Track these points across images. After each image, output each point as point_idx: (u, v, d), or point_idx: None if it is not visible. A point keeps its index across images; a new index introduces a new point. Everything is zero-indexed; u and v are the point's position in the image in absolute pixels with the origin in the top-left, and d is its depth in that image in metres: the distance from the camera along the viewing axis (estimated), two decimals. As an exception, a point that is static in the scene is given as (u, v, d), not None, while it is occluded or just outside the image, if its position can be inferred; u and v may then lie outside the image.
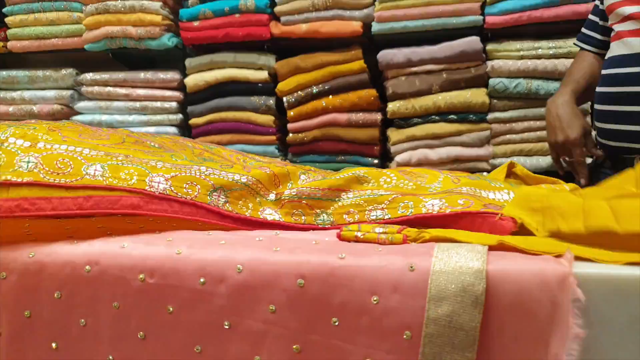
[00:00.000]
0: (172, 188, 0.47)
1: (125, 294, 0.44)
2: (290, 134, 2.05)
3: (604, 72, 1.13)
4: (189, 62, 2.11)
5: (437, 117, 1.91)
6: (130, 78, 2.14)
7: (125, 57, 2.25)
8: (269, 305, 0.42)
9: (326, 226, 0.53)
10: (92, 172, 0.48)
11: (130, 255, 0.45)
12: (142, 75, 2.14)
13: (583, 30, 1.30)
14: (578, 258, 0.41)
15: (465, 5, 1.85)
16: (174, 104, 2.14)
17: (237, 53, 2.07)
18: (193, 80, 2.11)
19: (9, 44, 2.22)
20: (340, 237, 0.46)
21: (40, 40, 2.19)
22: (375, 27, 1.92)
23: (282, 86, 2.04)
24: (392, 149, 1.96)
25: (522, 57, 1.83)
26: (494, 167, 1.89)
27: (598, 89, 1.14)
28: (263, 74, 2.06)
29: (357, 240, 0.46)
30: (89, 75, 2.16)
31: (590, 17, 1.27)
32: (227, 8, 2.02)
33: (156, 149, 0.58)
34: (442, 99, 1.88)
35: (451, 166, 1.92)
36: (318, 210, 0.57)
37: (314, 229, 0.52)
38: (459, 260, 0.41)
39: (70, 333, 0.43)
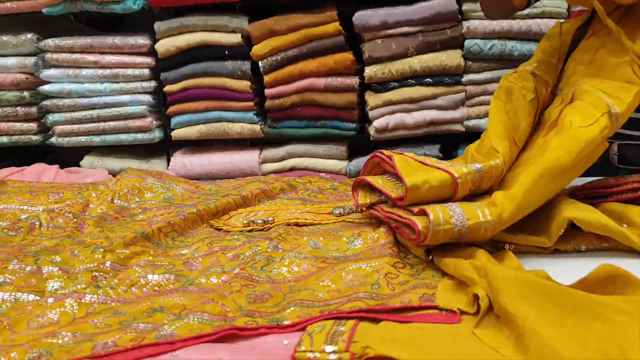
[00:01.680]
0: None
1: None
2: (268, 100, 2.03)
3: None
4: (157, 25, 2.01)
5: (413, 81, 1.89)
6: (97, 43, 2.04)
7: (90, 20, 2.15)
8: None
9: (281, 324, 0.56)
10: (37, 358, 0.52)
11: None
12: (109, 40, 2.04)
13: None
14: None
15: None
16: (146, 71, 2.06)
17: (207, 16, 1.97)
18: (164, 45, 2.02)
19: (-39, 9, 2.10)
20: (295, 359, 0.50)
21: (-6, 4, 2.07)
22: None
23: (256, 50, 1.98)
24: (370, 113, 1.95)
25: (497, 18, 1.79)
26: (468, 128, 1.92)
27: None
28: (236, 37, 1.99)
29: (309, 360, 0.50)
30: (51, 41, 2.05)
31: None
32: (194, -33, 1.92)
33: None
34: (418, 62, 1.86)
35: (426, 129, 1.94)
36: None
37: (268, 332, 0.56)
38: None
39: None
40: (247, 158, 2.08)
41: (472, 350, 0.50)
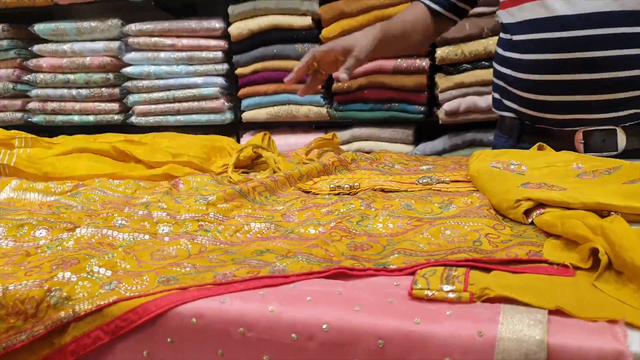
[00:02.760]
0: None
1: (227, 344, 0.51)
2: (335, 83, 2.04)
3: (530, 36, 0.97)
4: (231, 9, 2.07)
5: (487, 63, 1.85)
6: (175, 27, 2.12)
7: (167, 5, 2.24)
8: (353, 360, 0.49)
9: (388, 268, 0.57)
10: (166, 281, 0.56)
11: (229, 311, 0.52)
12: (186, 24, 2.11)
13: None
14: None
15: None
16: (219, 54, 2.12)
17: (279, -1, 2.03)
18: (237, 28, 2.08)
19: (56, -4, 2.23)
20: (412, 296, 0.51)
21: (84, -10, 2.19)
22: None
23: (326, 32, 2.00)
24: (440, 96, 1.92)
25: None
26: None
27: (524, 57, 0.98)
28: (307, 20, 2.01)
29: (427, 298, 0.51)
30: (134, 26, 2.16)
31: None
32: (268, -48, 1.96)
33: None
34: (494, 43, 1.82)
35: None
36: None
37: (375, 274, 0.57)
38: (522, 329, 0.45)
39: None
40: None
41: (597, 298, 0.49)
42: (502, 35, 1.08)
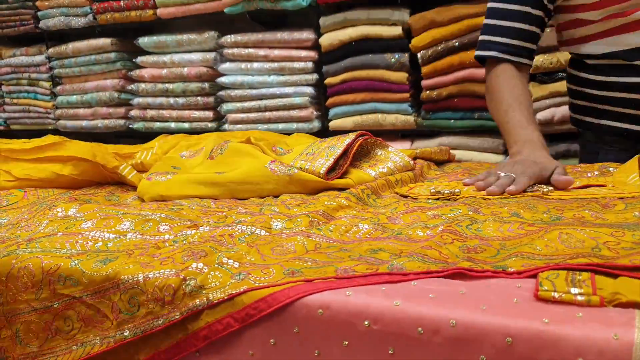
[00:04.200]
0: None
1: (352, 335, 0.54)
2: (424, 91, 2.04)
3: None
4: (323, 20, 2.13)
5: (585, 71, 1.78)
6: (267, 39, 2.22)
7: (261, 17, 2.33)
8: (480, 356, 0.49)
9: (507, 271, 0.57)
10: (291, 273, 0.59)
11: (355, 303, 0.54)
12: (278, 35, 2.20)
13: (508, 40, 1.05)
14: None
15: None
16: (309, 64, 2.19)
17: (370, 10, 2.03)
18: (327, 39, 2.13)
19: (159, 11, 2.39)
20: (538, 297, 0.51)
21: (185, 6, 2.33)
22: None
23: (416, 41, 2.00)
24: (534, 105, 1.88)
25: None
26: None
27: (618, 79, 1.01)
28: (397, 30, 2.03)
29: (554, 300, 0.50)
30: (229, 38, 2.27)
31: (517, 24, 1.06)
32: (360, -36, 2.00)
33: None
34: (592, 50, 1.75)
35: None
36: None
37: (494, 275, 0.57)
38: (661, 335, 0.44)
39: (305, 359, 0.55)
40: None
41: None
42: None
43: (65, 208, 0.91)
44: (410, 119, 2.09)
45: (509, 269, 0.57)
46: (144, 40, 2.42)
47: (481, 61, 1.12)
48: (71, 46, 2.56)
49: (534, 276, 0.55)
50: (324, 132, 2.30)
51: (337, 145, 1.10)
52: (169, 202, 0.95)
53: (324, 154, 1.08)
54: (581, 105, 1.15)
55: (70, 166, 1.08)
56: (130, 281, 0.62)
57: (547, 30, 1.83)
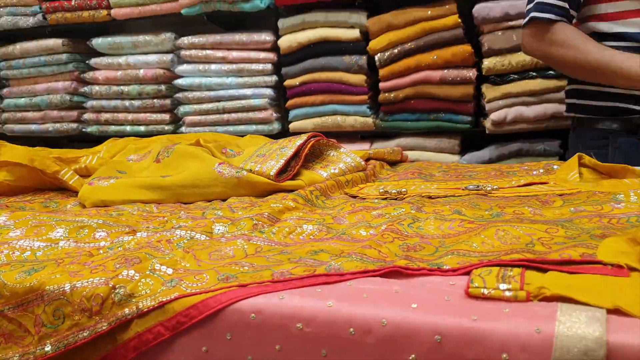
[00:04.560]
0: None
1: (285, 339, 0.53)
2: (382, 93, 2.05)
3: None
4: (281, 22, 2.11)
5: (534, 74, 1.82)
6: (225, 40, 2.19)
7: (219, 19, 2.31)
8: (410, 355, 0.49)
9: (442, 268, 0.57)
10: (226, 279, 0.58)
11: (288, 306, 0.53)
12: (236, 37, 2.17)
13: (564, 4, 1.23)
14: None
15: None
16: (268, 66, 2.17)
17: (328, 12, 2.03)
18: (286, 41, 2.11)
19: (113, 12, 2.32)
20: (468, 294, 0.51)
21: (140, 7, 2.28)
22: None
23: (373, 44, 2.01)
24: (487, 106, 1.90)
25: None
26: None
27: None
28: (354, 33, 2.03)
29: (484, 297, 0.51)
30: (186, 39, 2.23)
31: None
32: (316, -34, 2.00)
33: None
34: (542, 53, 1.79)
35: (547, 123, 1.87)
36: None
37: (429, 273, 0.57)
38: (581, 327, 0.44)
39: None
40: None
41: None
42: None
43: (-5, 216, 0.87)
44: (369, 120, 2.10)
45: (444, 267, 0.58)
46: (97, 42, 2.36)
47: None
48: (19, 47, 2.47)
49: (469, 273, 0.55)
50: (284, 134, 2.28)
51: (288, 147, 1.09)
52: (109, 208, 0.92)
53: (275, 155, 1.07)
54: (584, 89, 1.30)
55: (5, 172, 1.04)
56: (55, 292, 0.59)
57: (499, 33, 1.88)
